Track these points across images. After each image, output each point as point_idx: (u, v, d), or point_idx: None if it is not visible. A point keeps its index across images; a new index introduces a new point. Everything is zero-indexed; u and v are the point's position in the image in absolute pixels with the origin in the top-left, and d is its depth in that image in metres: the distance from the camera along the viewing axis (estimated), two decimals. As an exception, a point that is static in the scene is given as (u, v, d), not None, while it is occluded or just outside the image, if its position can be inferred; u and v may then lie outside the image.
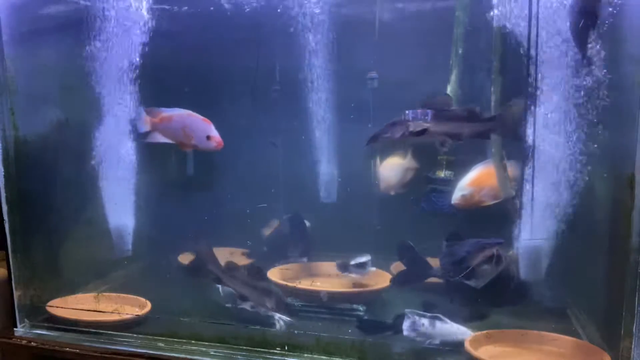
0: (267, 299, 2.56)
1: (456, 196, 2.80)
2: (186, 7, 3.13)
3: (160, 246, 3.46)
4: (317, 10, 3.07)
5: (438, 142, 2.51)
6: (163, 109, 2.46)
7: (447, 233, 2.71)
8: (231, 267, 2.76)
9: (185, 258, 3.54)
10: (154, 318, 2.75)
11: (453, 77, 2.96)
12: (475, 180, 2.78)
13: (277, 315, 2.48)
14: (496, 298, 2.58)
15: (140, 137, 2.50)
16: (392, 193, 3.23)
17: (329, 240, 3.30)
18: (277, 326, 2.47)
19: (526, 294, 2.59)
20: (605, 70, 2.26)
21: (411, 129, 2.45)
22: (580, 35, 2.21)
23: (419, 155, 3.22)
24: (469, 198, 2.77)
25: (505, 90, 2.58)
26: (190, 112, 2.42)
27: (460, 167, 2.96)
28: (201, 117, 2.38)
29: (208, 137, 2.31)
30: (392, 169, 3.27)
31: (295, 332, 2.52)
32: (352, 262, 2.95)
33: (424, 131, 2.43)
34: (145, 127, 2.45)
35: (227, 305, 2.65)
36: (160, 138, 2.46)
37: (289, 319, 2.50)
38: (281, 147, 3.35)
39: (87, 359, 2.54)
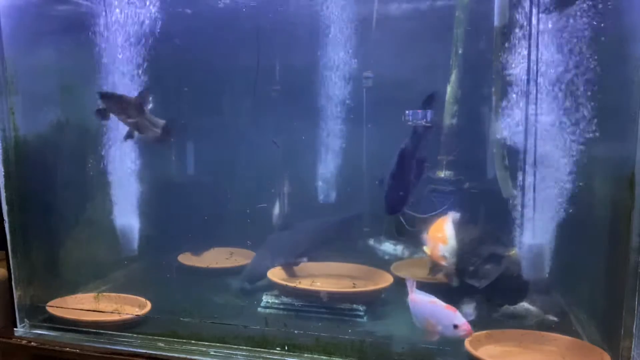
0: None
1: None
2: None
3: (160, 246, 3.45)
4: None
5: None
6: (417, 290, 2.37)
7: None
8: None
9: (185, 258, 3.55)
10: (154, 318, 2.76)
11: (453, 77, 2.96)
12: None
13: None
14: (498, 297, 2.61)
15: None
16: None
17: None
18: None
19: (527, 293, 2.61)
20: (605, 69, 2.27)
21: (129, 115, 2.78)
22: None
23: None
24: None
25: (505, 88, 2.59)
26: (435, 300, 2.30)
27: (461, 167, 2.97)
28: (444, 305, 2.26)
29: (455, 326, 2.20)
30: None
31: (295, 332, 2.53)
32: None
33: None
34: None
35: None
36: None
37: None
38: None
39: (87, 359, 2.54)
